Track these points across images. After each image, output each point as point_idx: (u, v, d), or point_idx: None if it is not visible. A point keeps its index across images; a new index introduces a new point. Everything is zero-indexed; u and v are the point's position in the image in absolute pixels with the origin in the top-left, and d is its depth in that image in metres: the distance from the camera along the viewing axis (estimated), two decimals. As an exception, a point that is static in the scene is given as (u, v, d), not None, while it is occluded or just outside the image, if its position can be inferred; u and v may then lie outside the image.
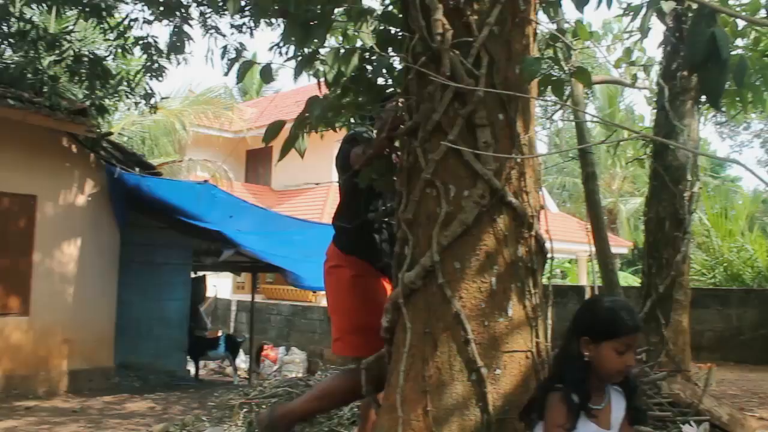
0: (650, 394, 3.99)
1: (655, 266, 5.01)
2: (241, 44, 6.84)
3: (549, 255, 2.68)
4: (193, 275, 10.81)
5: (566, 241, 17.36)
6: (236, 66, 3.50)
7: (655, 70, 6.20)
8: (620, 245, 20.80)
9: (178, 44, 6.68)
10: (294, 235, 9.20)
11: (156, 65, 7.22)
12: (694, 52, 1.75)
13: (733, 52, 5.44)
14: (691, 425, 2.30)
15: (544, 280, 2.70)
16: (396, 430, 2.36)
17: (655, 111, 5.52)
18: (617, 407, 2.21)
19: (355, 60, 2.99)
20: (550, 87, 3.03)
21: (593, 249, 5.44)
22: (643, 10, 4.26)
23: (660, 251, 4.99)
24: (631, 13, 5.34)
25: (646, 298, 5.03)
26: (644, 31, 4.43)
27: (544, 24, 3.84)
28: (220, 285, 15.40)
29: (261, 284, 17.71)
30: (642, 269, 5.39)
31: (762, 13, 5.81)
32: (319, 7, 2.99)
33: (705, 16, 1.78)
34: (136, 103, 8.19)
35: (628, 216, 24.78)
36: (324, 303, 16.30)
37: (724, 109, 6.78)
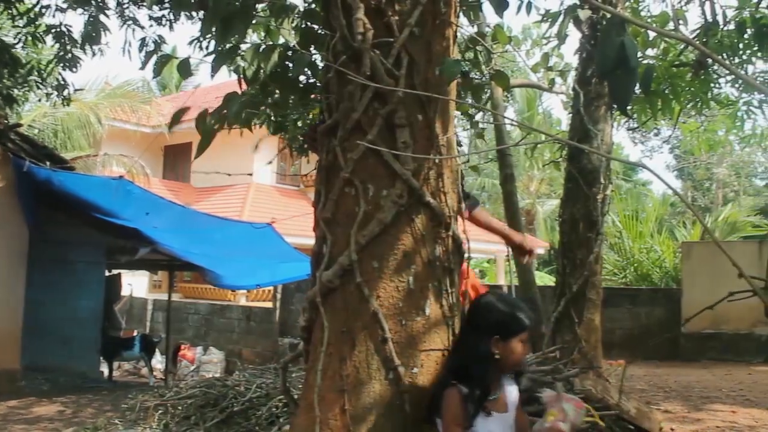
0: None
1: (570, 266, 5.13)
2: (160, 37, 6.65)
3: (466, 255, 2.72)
4: (107, 274, 10.47)
5: (485, 241, 17.67)
6: (153, 59, 3.41)
7: (572, 76, 6.38)
8: (537, 245, 21.33)
9: (93, 34, 6.43)
10: (213, 233, 9.04)
11: (69, 55, 6.94)
12: (604, 59, 1.81)
13: (644, 62, 5.68)
14: (550, 390, 2.43)
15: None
16: (313, 430, 2.35)
17: (570, 115, 5.66)
18: (511, 391, 2.39)
19: (275, 57, 2.96)
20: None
21: (511, 249, 5.53)
22: (561, 18, 4.38)
23: (574, 252, 5.12)
24: (550, 20, 5.48)
25: (560, 297, 5.15)
26: (561, 37, 4.55)
27: (464, 27, 3.91)
28: (135, 284, 14.97)
29: (178, 283, 17.34)
30: (557, 269, 5.52)
31: (671, 25, 6.06)
32: (239, 1, 2.94)
33: (615, 25, 1.84)
34: (48, 95, 7.84)
35: (545, 217, 25.41)
36: (243, 302, 16.15)
37: (634, 115, 7.05)
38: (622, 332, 9.70)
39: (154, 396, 5.22)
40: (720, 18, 6.04)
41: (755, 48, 5.82)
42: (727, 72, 6.31)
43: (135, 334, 11.56)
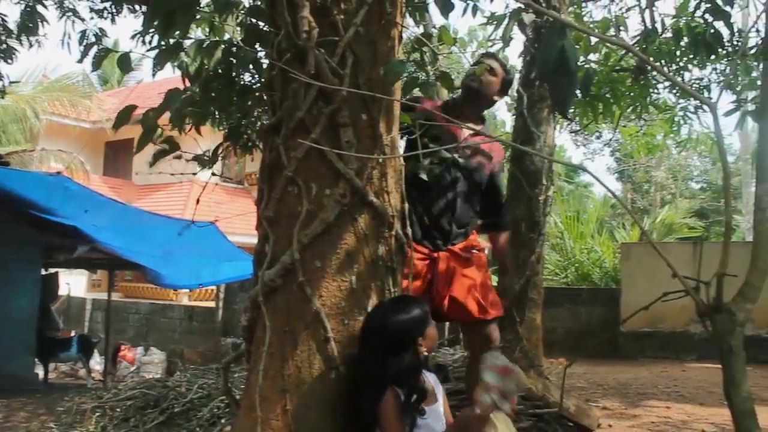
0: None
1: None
2: (101, 30, 6.48)
3: (409, 254, 2.73)
4: (44, 272, 10.16)
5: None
6: (93, 52, 3.32)
7: (516, 78, 6.47)
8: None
9: (30, 25, 6.24)
10: (155, 232, 8.86)
11: (4, 46, 6.71)
12: (545, 62, 1.84)
13: (585, 66, 5.80)
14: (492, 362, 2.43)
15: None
16: (255, 430, 2.33)
17: (514, 117, 5.74)
18: (431, 381, 2.50)
19: (218, 54, 2.92)
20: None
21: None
22: (506, 21, 4.44)
23: (516, 252, 5.19)
24: (495, 23, 5.54)
25: (502, 296, 5.21)
26: (506, 40, 4.61)
27: (410, 28, 3.92)
28: (73, 283, 14.59)
29: (119, 282, 16.98)
30: (498, 269, 5.59)
31: (612, 31, 6.21)
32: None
33: (557, 30, 1.87)
34: (-20, 86, 7.58)
35: (490, 218, 25.61)
36: (185, 301, 15.91)
37: (576, 117, 7.19)
38: (564, 331, 9.88)
39: (92, 398, 5.09)
40: (659, 25, 6.22)
41: (691, 56, 6.00)
42: (665, 78, 6.50)
43: (72, 334, 11.26)
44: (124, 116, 2.86)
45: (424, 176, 3.03)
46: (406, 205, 2.68)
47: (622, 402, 5.83)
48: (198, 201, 3.91)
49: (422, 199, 3.28)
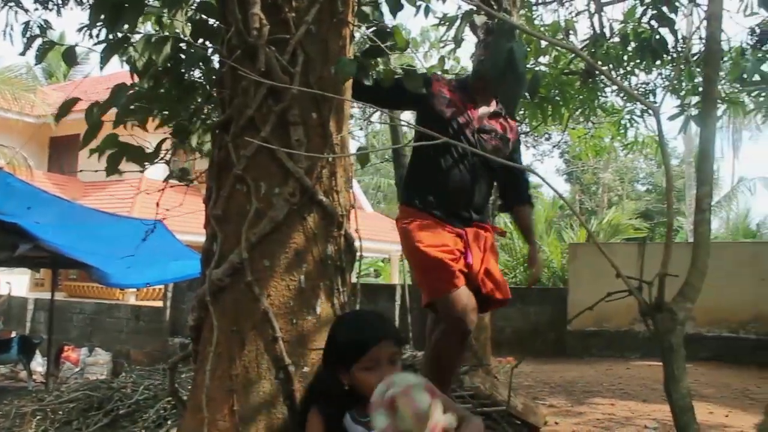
0: (453, 388, 4.19)
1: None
2: (45, 22, 6.31)
3: (359, 254, 2.73)
4: (-17, 271, 9.88)
5: (380, 241, 17.83)
6: (36, 45, 3.24)
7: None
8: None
9: (-30, 16, 6.06)
10: (101, 230, 8.67)
11: (-57, 37, 6.51)
12: (494, 64, 1.86)
13: (535, 69, 5.88)
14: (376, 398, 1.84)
15: (354, 279, 2.76)
16: (202, 431, 2.30)
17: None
18: None
19: (167, 49, 2.87)
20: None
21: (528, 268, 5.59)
22: (458, 22, 4.47)
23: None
24: (447, 24, 5.59)
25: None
26: (458, 41, 4.64)
27: (362, 27, 3.92)
28: (15, 282, 14.17)
29: (63, 281, 16.56)
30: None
31: (561, 35, 6.31)
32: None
33: (506, 32, 1.90)
34: None
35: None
36: (132, 301, 15.61)
37: (526, 119, 7.28)
38: (512, 330, 10.00)
39: (33, 401, 4.96)
40: (607, 30, 6.35)
41: (638, 60, 6.15)
42: (612, 82, 6.63)
43: (13, 335, 10.96)
44: (65, 109, 2.79)
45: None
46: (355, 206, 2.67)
47: (568, 399, 5.93)
48: (158, 204, 3.65)
49: (439, 186, 3.19)
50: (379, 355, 1.98)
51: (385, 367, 1.97)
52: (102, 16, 2.84)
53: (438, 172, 3.18)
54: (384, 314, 2.29)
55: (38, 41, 3.30)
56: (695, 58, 6.03)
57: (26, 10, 6.38)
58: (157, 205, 3.36)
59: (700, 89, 5.58)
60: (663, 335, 1.89)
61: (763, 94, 6.01)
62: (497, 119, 3.27)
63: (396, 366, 2.01)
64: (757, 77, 5.50)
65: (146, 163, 3.13)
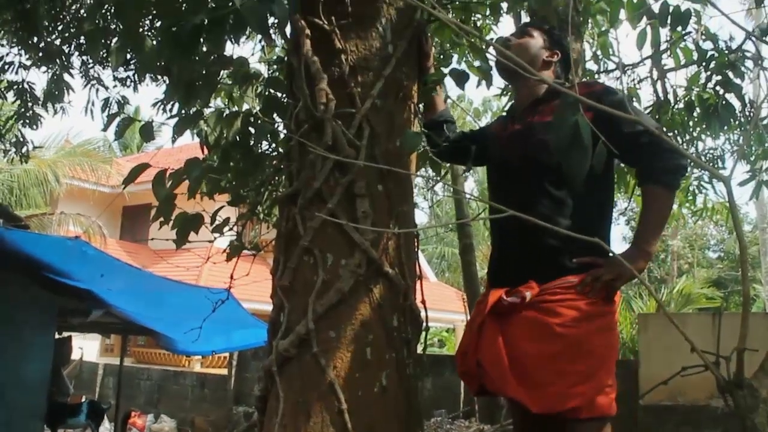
0: None
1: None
2: (123, 97, 6.65)
3: (424, 325, 2.71)
4: (57, 336, 10.13)
5: (444, 311, 17.65)
6: (116, 121, 3.40)
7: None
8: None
9: (56, 93, 6.41)
10: (169, 297, 8.84)
11: (30, 113, 6.88)
12: (558, 137, 1.86)
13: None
14: None
15: (420, 350, 2.73)
16: (265, 504, 2.28)
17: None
18: None
19: (238, 123, 2.98)
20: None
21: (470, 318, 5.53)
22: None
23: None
24: (508, 94, 5.63)
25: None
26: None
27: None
28: (86, 347, 14.52)
29: (131, 347, 16.89)
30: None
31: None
32: (204, 68, 2.97)
33: (569, 104, 1.90)
34: (5, 151, 7.74)
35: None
36: (197, 368, 15.76)
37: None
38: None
39: (100, 466, 5.01)
40: (671, 97, 6.29)
41: (704, 126, 6.04)
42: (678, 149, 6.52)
43: (83, 400, 11.14)
44: (133, 175, 2.90)
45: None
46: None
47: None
48: (232, 277, 3.66)
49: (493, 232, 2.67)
50: None
51: None
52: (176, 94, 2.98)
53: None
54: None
55: (117, 118, 3.47)
56: (765, 121, 5.89)
57: (106, 87, 6.74)
58: (231, 277, 3.38)
59: (773, 155, 5.45)
60: (745, 414, 1.80)
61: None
62: (534, 110, 2.57)
63: None
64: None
65: (215, 235, 3.22)
